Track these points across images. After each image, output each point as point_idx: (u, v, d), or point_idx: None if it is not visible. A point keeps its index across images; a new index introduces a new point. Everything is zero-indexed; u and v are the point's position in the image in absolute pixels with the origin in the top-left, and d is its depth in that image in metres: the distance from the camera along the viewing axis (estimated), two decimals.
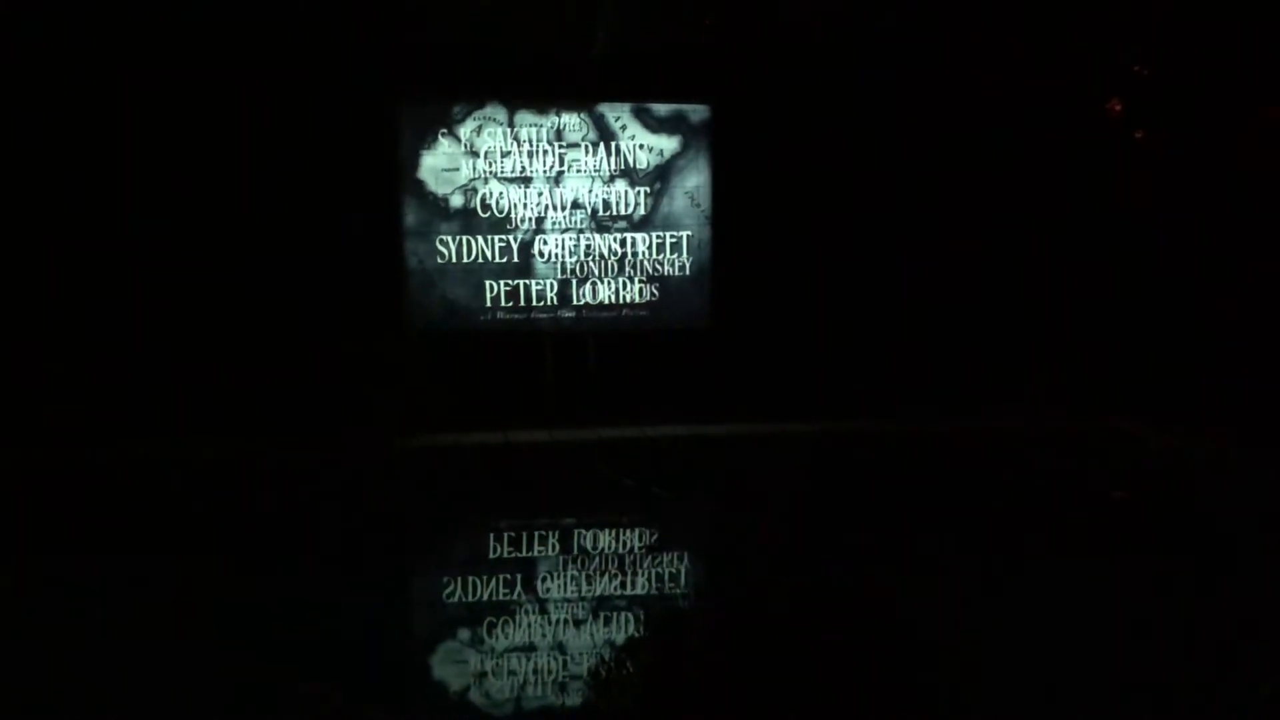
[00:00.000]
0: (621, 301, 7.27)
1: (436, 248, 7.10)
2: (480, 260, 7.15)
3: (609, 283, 7.25)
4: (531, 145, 7.10)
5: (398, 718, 3.13)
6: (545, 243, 7.18)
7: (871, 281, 7.83)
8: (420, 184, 7.05)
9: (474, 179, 7.08)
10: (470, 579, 4.53)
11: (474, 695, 3.30)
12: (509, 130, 7.08)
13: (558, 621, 3.91)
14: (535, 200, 7.14)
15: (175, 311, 7.13)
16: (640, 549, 5.09)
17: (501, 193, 7.11)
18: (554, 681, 3.42)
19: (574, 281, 7.23)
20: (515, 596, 4.27)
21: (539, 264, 7.19)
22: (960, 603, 3.98)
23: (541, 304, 7.22)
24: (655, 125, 7.20)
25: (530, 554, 4.95)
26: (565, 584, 4.41)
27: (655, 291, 7.28)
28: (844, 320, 7.77)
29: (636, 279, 7.27)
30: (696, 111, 7.30)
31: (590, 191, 7.17)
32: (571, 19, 6.77)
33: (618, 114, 7.19)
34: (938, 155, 7.75)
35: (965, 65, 7.73)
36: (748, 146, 7.48)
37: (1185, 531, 5.04)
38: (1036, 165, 7.88)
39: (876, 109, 7.68)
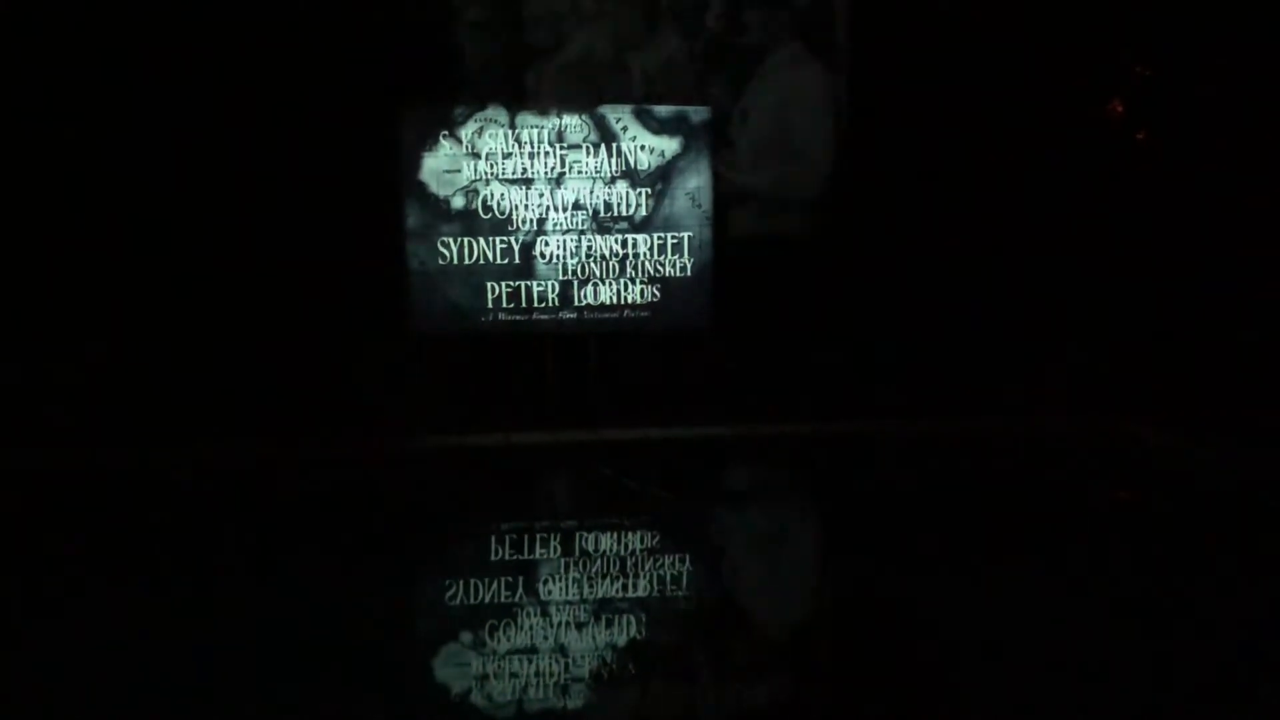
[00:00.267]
0: (623, 302, 7.27)
1: (438, 249, 7.10)
2: (482, 262, 7.15)
3: (610, 284, 7.25)
4: (533, 147, 7.11)
5: None
6: (546, 244, 7.18)
7: (871, 283, 7.82)
8: (422, 186, 7.06)
9: (475, 180, 7.08)
10: (478, 582, 4.51)
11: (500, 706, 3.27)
12: (510, 132, 7.09)
13: (560, 624, 3.91)
14: (536, 202, 7.14)
15: (175, 313, 7.15)
16: (641, 551, 5.08)
17: (503, 194, 7.11)
18: (571, 683, 3.40)
19: (575, 283, 7.24)
20: (519, 599, 4.26)
21: (540, 265, 7.20)
22: (989, 608, 3.96)
23: (543, 305, 7.22)
24: (656, 126, 7.21)
25: (534, 557, 4.94)
26: (569, 586, 4.40)
27: (656, 293, 7.28)
28: (844, 321, 7.76)
29: (638, 280, 7.26)
30: (698, 113, 7.32)
31: (591, 193, 7.18)
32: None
33: (619, 115, 7.20)
34: (937, 153, 7.75)
35: (964, 64, 7.78)
36: None
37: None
38: (1036, 163, 7.89)
39: (877, 108, 7.70)
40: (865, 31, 7.97)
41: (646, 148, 7.18)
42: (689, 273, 7.29)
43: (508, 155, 7.10)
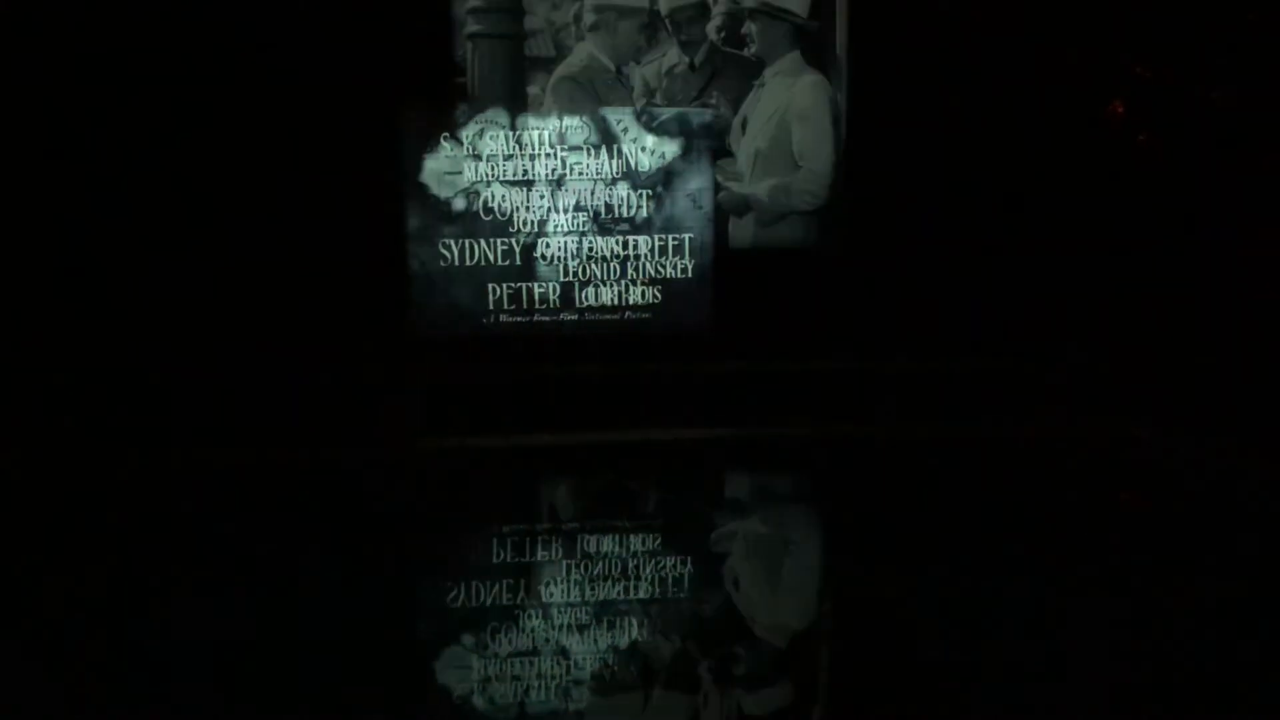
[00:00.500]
0: (624, 304, 7.27)
1: (439, 251, 7.12)
2: (483, 263, 7.16)
3: (611, 286, 7.25)
4: (534, 148, 7.14)
5: None
6: (548, 246, 7.20)
7: (873, 283, 7.82)
8: (422, 187, 7.09)
9: (476, 182, 7.12)
10: (482, 585, 4.48)
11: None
12: (511, 134, 7.13)
13: (567, 627, 3.88)
14: (537, 203, 7.17)
15: (176, 315, 7.14)
16: (644, 553, 5.03)
17: (504, 196, 7.14)
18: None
19: (576, 284, 7.24)
20: (526, 603, 4.24)
21: (541, 267, 7.20)
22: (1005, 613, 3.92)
23: (544, 307, 7.22)
24: (657, 128, 7.25)
25: (540, 559, 4.92)
26: (573, 589, 4.38)
27: (658, 294, 7.28)
28: (844, 322, 7.74)
29: (639, 282, 7.27)
30: (698, 115, 7.38)
31: (592, 194, 7.20)
32: None
33: (619, 117, 7.25)
34: (938, 152, 7.79)
35: (963, 74, 7.84)
36: None
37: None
38: (1037, 172, 7.92)
39: (878, 107, 7.76)
40: (864, 42, 8.02)
41: (647, 149, 7.22)
42: (690, 274, 7.29)
43: (509, 157, 7.14)
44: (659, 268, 7.27)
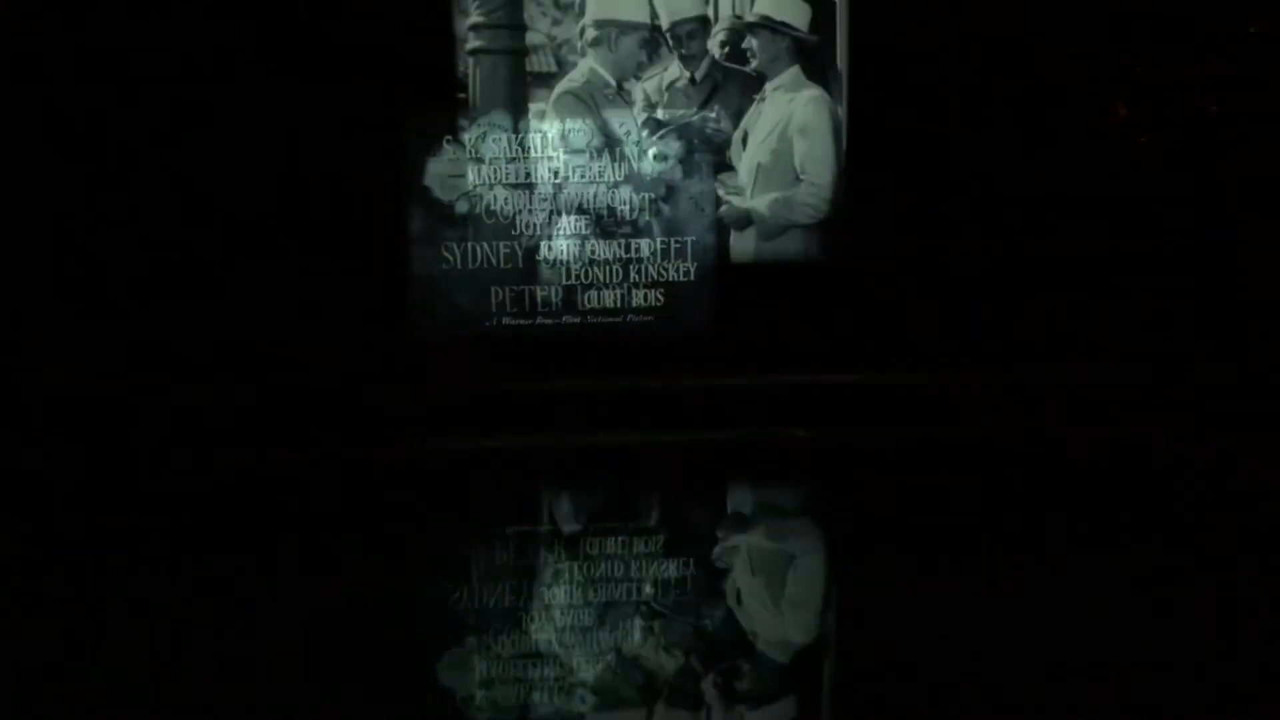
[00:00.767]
0: (626, 307, 7.24)
1: (441, 254, 7.11)
2: (485, 266, 7.15)
3: (613, 289, 7.24)
4: (536, 151, 7.17)
5: None
6: (550, 248, 7.19)
7: (875, 285, 7.81)
8: (425, 190, 7.10)
9: (479, 185, 7.13)
10: (489, 588, 4.44)
11: None
12: (514, 136, 7.16)
13: (565, 627, 3.82)
14: (540, 206, 7.17)
15: (178, 319, 7.12)
16: (646, 555, 4.94)
17: (506, 198, 7.15)
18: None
19: (579, 287, 7.22)
20: (527, 605, 4.18)
21: (544, 270, 7.19)
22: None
23: (546, 309, 7.19)
24: (660, 131, 7.29)
25: (544, 561, 4.89)
26: (573, 591, 4.35)
27: (660, 297, 7.26)
28: (844, 323, 7.72)
29: (641, 285, 7.25)
30: (702, 118, 7.42)
31: (595, 197, 7.21)
32: None
33: (622, 120, 7.28)
34: (938, 165, 7.83)
35: (964, 88, 7.91)
36: None
37: None
38: (1039, 185, 7.96)
39: (878, 121, 7.80)
40: (864, 56, 8.10)
41: (650, 152, 7.24)
42: (692, 277, 7.28)
43: (511, 160, 7.16)
44: (661, 270, 7.25)
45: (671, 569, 4.63)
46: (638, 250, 7.25)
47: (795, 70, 8.16)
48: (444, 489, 6.18)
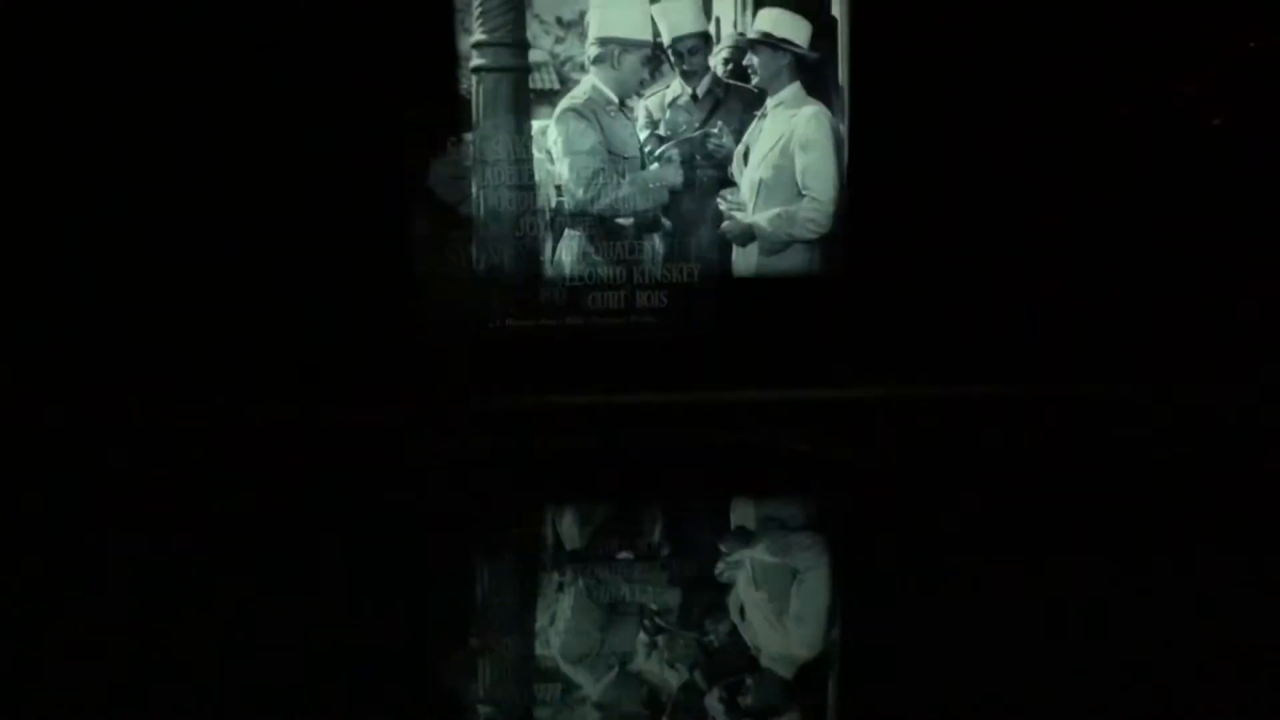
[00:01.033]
0: (630, 308, 7.21)
1: (445, 256, 7.10)
2: (489, 268, 7.13)
3: (618, 290, 7.21)
4: (540, 152, 7.20)
5: None
6: (554, 250, 7.18)
7: (876, 287, 7.79)
8: (429, 192, 7.11)
9: (483, 185, 7.14)
10: (489, 596, 4.38)
11: None
12: (518, 138, 7.20)
13: (565, 637, 3.65)
14: (544, 206, 7.18)
15: (179, 322, 7.07)
16: (647, 568, 4.79)
17: (510, 199, 7.16)
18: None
19: (583, 289, 7.19)
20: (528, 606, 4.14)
21: (548, 271, 7.17)
22: None
23: (550, 311, 7.16)
24: (664, 132, 7.34)
25: (549, 562, 4.85)
26: (576, 589, 4.27)
27: (664, 298, 7.23)
28: (847, 338, 7.69)
29: (645, 286, 7.23)
30: (705, 134, 7.46)
31: (599, 197, 7.23)
32: None
33: (624, 134, 7.33)
34: (940, 178, 7.86)
35: (965, 103, 7.98)
36: None
37: None
38: (1041, 198, 7.98)
39: (879, 136, 7.86)
40: (865, 72, 8.19)
41: (653, 153, 7.28)
42: (695, 278, 7.25)
43: (515, 161, 7.18)
44: (666, 272, 7.23)
45: (672, 583, 4.48)
46: (642, 251, 7.24)
47: (796, 86, 8.23)
48: (444, 490, 6.07)
